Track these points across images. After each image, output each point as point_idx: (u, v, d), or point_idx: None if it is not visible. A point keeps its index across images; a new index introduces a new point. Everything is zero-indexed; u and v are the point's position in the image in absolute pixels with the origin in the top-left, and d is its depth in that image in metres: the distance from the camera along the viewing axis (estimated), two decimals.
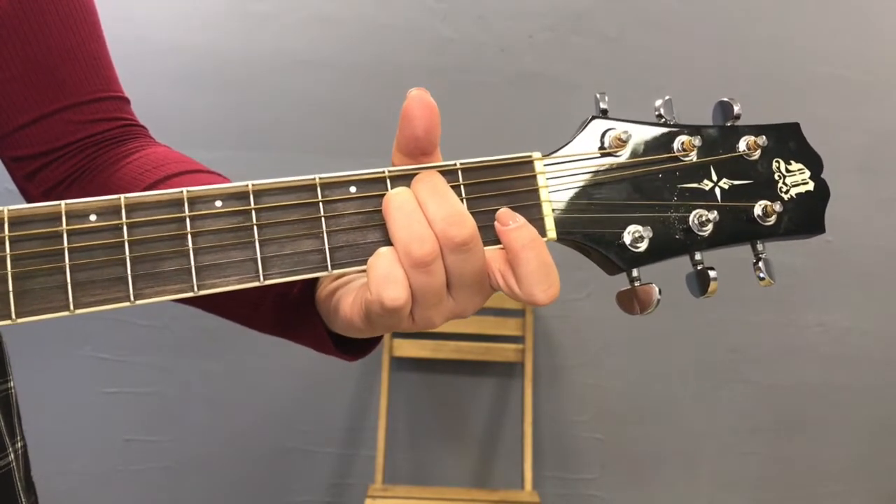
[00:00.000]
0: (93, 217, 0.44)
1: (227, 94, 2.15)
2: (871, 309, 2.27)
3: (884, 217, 2.25)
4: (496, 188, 0.49)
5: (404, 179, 0.48)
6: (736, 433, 2.30)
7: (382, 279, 0.44)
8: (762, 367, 2.28)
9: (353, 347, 0.56)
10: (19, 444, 0.67)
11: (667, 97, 0.54)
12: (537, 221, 0.49)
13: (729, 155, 0.54)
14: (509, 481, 2.24)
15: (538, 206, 0.50)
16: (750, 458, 2.31)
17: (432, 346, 2.18)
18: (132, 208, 0.44)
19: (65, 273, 0.43)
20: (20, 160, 0.63)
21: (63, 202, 0.44)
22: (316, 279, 0.55)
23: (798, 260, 2.25)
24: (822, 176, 0.55)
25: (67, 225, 0.43)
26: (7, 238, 0.43)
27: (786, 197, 0.54)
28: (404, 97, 0.48)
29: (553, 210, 0.50)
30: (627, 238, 0.51)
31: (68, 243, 0.43)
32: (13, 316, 0.43)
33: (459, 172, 0.49)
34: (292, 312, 0.56)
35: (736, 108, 0.54)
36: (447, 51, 2.15)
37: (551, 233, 0.50)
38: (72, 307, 0.43)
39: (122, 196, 0.44)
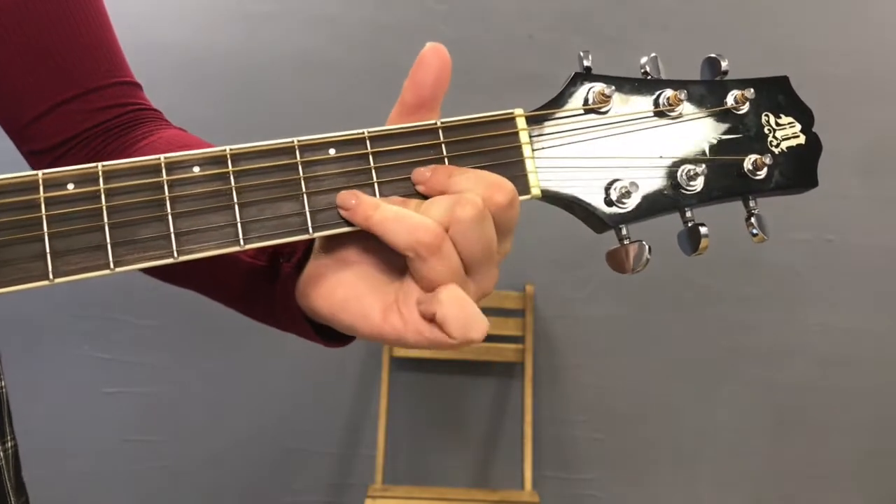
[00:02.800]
0: (70, 186, 0.43)
1: (228, 94, 2.15)
2: (871, 309, 2.27)
3: (884, 217, 2.25)
4: (478, 146, 0.48)
5: (383, 140, 0.47)
6: (736, 432, 2.30)
7: (466, 323, 0.44)
8: (762, 367, 2.28)
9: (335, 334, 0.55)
10: (10, 444, 0.67)
11: (652, 54, 0.53)
12: (520, 178, 0.48)
13: (717, 109, 0.53)
14: (509, 481, 2.24)
15: (521, 162, 0.49)
16: (750, 458, 2.31)
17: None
18: (109, 175, 0.44)
19: (43, 242, 0.42)
20: (37, 154, 0.63)
21: (40, 171, 0.43)
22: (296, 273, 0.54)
23: (798, 260, 2.25)
24: (814, 130, 0.54)
25: (45, 193, 0.43)
26: None
27: (776, 151, 0.53)
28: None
29: (536, 167, 0.49)
30: (614, 194, 0.50)
31: (46, 212, 0.43)
32: None
33: (440, 131, 0.48)
34: (279, 309, 0.55)
35: (724, 64, 0.54)
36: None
37: (535, 190, 0.49)
38: (51, 276, 0.42)
39: (100, 164, 0.44)
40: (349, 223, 0.46)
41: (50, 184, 0.43)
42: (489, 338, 2.18)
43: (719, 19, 2.20)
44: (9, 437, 0.67)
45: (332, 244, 0.49)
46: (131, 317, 2.19)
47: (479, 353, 2.19)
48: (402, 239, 0.44)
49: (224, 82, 2.15)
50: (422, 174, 0.47)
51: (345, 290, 0.48)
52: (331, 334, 0.54)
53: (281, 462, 2.26)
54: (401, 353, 2.20)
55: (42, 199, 0.43)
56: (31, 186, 0.43)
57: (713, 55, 0.54)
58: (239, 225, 0.45)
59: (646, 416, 2.29)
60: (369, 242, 0.47)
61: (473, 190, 0.45)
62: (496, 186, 0.46)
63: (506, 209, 0.46)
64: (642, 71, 0.53)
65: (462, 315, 0.44)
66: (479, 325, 0.45)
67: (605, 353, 2.27)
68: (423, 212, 0.45)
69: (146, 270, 0.60)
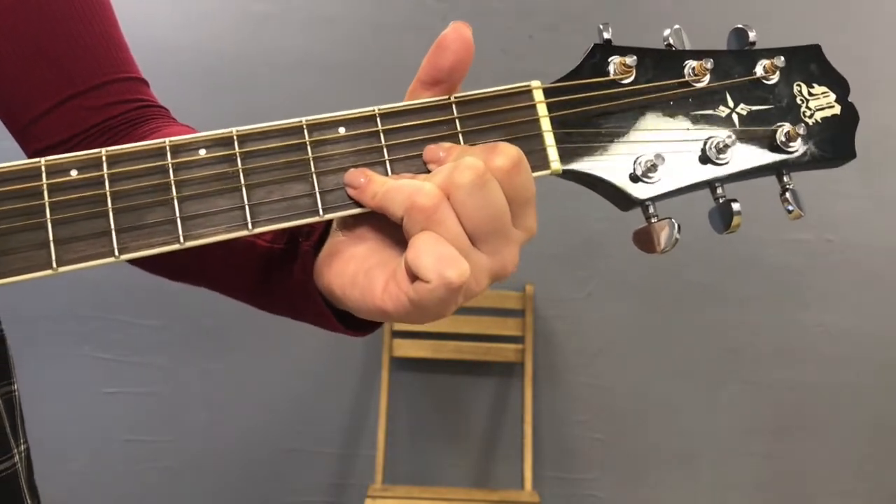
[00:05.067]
0: (74, 172, 0.42)
1: (228, 94, 2.15)
2: (871, 309, 2.27)
3: (884, 217, 2.25)
4: (494, 120, 0.46)
5: (395, 117, 0.46)
6: (736, 433, 2.30)
7: (439, 261, 0.41)
8: (762, 367, 2.28)
9: (355, 322, 0.54)
10: (23, 447, 0.66)
11: (676, 26, 0.51)
12: (539, 153, 0.46)
13: (745, 79, 0.50)
14: (509, 481, 2.24)
15: (539, 136, 0.46)
16: (750, 458, 2.31)
17: (432, 346, 2.18)
18: (113, 161, 0.43)
19: (46, 229, 0.41)
20: (41, 153, 0.62)
21: (43, 159, 0.42)
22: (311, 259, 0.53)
23: (798, 260, 2.25)
24: (850, 99, 0.51)
25: (48, 180, 0.42)
26: None
27: (810, 122, 0.50)
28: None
29: (556, 141, 0.47)
30: (639, 170, 0.47)
31: (49, 199, 0.42)
32: None
33: (453, 106, 0.47)
34: (298, 292, 0.53)
35: (751, 35, 0.51)
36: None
37: (555, 164, 0.46)
38: (55, 265, 0.41)
39: (104, 150, 0.43)
40: (359, 204, 0.45)
41: (53, 170, 0.42)
42: (489, 338, 2.19)
43: (718, 19, 2.19)
44: (22, 441, 0.66)
45: (350, 221, 0.47)
46: (131, 317, 2.19)
47: (479, 353, 2.19)
48: (399, 205, 0.43)
49: (224, 82, 2.15)
50: (435, 153, 0.46)
51: (356, 265, 0.47)
52: (351, 322, 0.52)
53: (281, 462, 2.26)
54: (401, 353, 2.19)
55: (45, 186, 0.42)
56: (33, 174, 0.42)
57: (740, 25, 0.52)
58: (247, 208, 0.44)
59: (646, 416, 2.29)
60: (385, 218, 0.45)
61: (476, 157, 0.44)
62: (497, 151, 0.44)
63: (509, 173, 0.43)
64: (665, 43, 0.51)
65: (434, 253, 0.41)
66: (456, 264, 0.41)
67: (605, 353, 2.27)
68: (424, 180, 0.44)
69: (155, 268, 0.59)
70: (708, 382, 2.28)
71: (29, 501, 0.65)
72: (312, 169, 0.45)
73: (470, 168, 0.42)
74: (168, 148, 0.44)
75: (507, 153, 0.44)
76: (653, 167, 0.47)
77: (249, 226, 0.44)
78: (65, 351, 2.19)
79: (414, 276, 0.42)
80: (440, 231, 0.42)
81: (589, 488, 2.30)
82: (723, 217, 0.48)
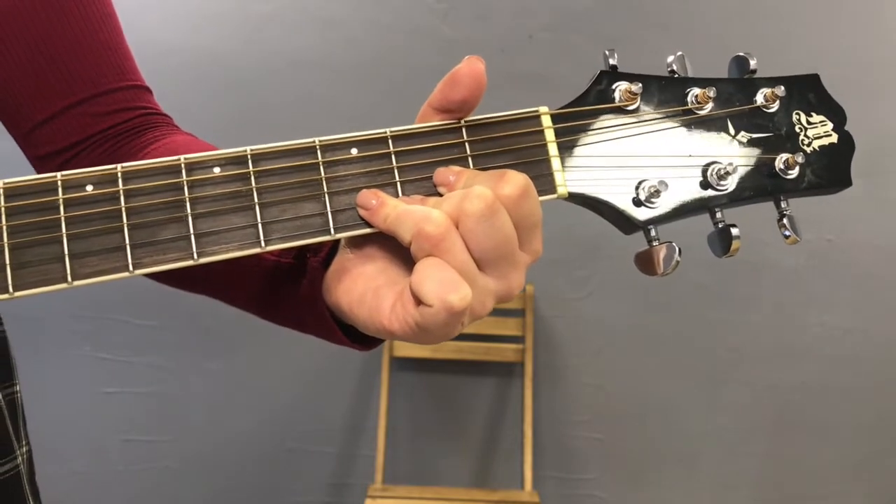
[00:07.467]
0: (89, 187, 0.43)
1: (228, 95, 2.15)
2: (871, 309, 2.27)
3: (884, 217, 2.25)
4: (502, 145, 0.48)
5: (406, 139, 0.47)
6: (736, 433, 2.30)
7: (441, 285, 0.42)
8: (762, 367, 2.28)
9: (360, 335, 0.54)
10: (25, 449, 0.66)
11: (678, 53, 0.53)
12: (546, 178, 0.48)
13: (746, 107, 0.52)
14: (509, 481, 2.24)
15: (546, 161, 0.48)
16: (750, 458, 2.31)
17: (432, 345, 2.18)
18: (129, 177, 0.44)
19: (62, 244, 0.42)
20: (44, 159, 0.63)
21: (59, 173, 0.43)
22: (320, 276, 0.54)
23: (798, 260, 2.25)
24: (846, 128, 0.53)
25: (64, 195, 0.43)
26: (3, 210, 0.42)
27: (808, 150, 0.52)
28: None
29: (563, 166, 0.48)
30: (642, 194, 0.49)
31: (65, 213, 0.42)
32: (10, 290, 0.42)
33: (463, 130, 0.48)
34: (304, 307, 0.54)
35: (752, 63, 0.53)
36: (447, 51, 2.15)
37: (562, 189, 0.48)
38: (70, 279, 0.42)
39: (119, 165, 0.44)
40: (370, 224, 0.46)
41: (69, 185, 0.43)
42: (489, 338, 2.19)
43: (719, 19, 2.20)
44: (24, 442, 0.66)
45: (360, 240, 0.48)
46: (131, 317, 2.19)
47: (479, 353, 2.19)
48: (407, 230, 0.44)
49: (224, 84, 2.15)
50: (444, 177, 0.47)
51: (364, 283, 0.47)
52: (355, 336, 0.53)
53: (281, 462, 2.26)
54: (401, 353, 2.19)
55: (61, 201, 0.42)
56: (50, 188, 0.43)
57: (741, 53, 0.54)
58: (260, 226, 0.45)
59: (646, 416, 2.29)
60: (394, 238, 0.46)
61: (484, 184, 0.44)
62: (505, 179, 0.44)
63: (518, 202, 0.44)
64: (669, 69, 0.52)
65: (436, 278, 0.42)
66: (458, 288, 0.42)
67: (605, 353, 2.27)
68: (433, 206, 0.45)
69: (161, 278, 0.59)
70: (708, 382, 2.28)
71: (31, 503, 0.65)
72: (325, 189, 0.46)
73: (479, 197, 0.43)
74: (183, 165, 0.44)
75: (515, 181, 0.44)
76: (656, 192, 0.49)
77: (262, 243, 0.45)
78: (65, 351, 2.19)
79: (419, 300, 0.43)
80: (446, 258, 0.43)
81: (589, 488, 2.30)
82: (722, 241, 0.50)
